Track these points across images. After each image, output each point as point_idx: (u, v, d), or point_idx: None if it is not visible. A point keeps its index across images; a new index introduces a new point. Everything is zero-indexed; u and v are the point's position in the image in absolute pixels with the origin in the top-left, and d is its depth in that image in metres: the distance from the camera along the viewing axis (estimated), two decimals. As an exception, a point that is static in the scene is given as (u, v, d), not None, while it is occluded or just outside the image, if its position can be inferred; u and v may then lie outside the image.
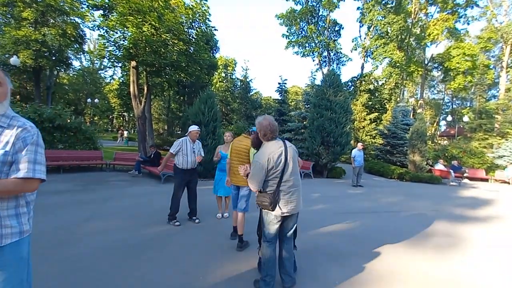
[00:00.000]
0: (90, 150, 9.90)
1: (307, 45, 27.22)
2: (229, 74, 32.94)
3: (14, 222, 1.35)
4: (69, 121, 9.65)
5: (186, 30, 12.39)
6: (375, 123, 22.58)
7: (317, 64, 28.16)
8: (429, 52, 26.78)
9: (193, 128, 4.55)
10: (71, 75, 32.66)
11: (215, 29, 15.00)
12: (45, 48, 18.99)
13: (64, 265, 2.81)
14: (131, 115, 39.71)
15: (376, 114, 22.99)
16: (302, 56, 27.67)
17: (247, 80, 27.81)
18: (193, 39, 13.01)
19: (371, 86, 26.70)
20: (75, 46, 22.79)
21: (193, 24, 13.10)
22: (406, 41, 24.42)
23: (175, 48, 11.68)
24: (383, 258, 3.52)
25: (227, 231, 4.12)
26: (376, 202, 7.35)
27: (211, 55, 18.47)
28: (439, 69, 27.65)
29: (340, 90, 12.03)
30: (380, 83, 28.34)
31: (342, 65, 27.95)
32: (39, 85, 22.24)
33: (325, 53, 27.68)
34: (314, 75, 19.98)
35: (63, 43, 20.50)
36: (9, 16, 19.59)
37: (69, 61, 24.19)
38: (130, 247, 3.39)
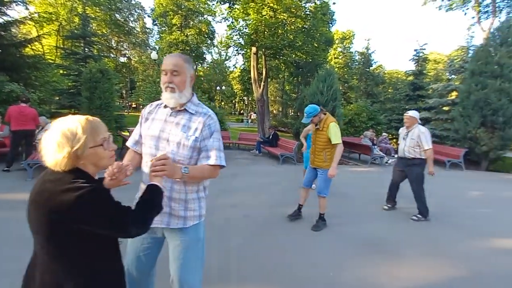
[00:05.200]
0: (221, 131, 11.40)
1: (457, -7, 20.66)
2: (346, 48, 29.91)
3: (196, 205, 1.41)
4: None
5: (303, 5, 11.78)
6: None
7: (474, 17, 21.02)
8: None
9: None
10: (205, 67, 38.96)
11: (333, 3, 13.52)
12: (187, 46, 23.22)
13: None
14: (249, 99, 43.83)
15: None
16: (448, 10, 21.34)
17: (368, 52, 24.38)
18: (310, 14, 12.27)
19: None
20: (208, 42, 26.71)
21: (311, -4, 12.27)
22: None
23: (292, 27, 11.38)
24: None
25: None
26: None
27: (328, 29, 17.09)
28: None
29: (519, 47, 8.36)
30: None
31: (516, 12, 19.58)
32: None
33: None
34: (472, 32, 14.94)
35: (199, 40, 24.39)
36: (164, 24, 25.04)
37: (204, 56, 28.76)
38: (258, 225, 3.46)
